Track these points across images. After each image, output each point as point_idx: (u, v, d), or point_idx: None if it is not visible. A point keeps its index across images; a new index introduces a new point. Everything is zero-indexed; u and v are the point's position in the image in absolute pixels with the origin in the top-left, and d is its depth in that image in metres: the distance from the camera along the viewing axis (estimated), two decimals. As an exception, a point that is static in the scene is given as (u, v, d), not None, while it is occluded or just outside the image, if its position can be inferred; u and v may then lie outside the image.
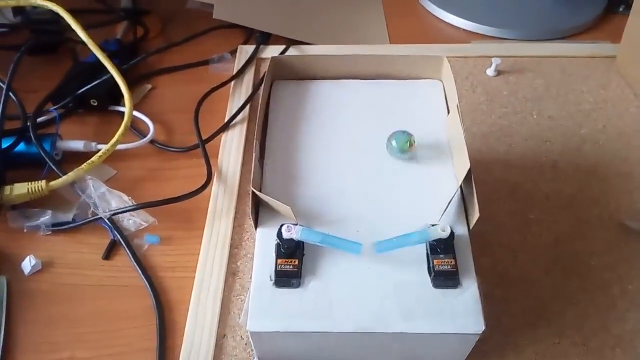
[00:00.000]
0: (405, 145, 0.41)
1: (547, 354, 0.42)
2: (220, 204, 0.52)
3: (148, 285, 0.47)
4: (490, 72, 0.65)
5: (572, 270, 0.48)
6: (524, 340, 0.43)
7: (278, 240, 0.37)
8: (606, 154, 0.57)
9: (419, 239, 0.36)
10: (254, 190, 0.38)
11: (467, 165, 0.38)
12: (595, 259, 0.48)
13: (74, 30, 0.61)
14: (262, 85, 0.45)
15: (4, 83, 0.57)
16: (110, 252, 0.50)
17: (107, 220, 0.50)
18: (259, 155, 0.41)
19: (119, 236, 0.50)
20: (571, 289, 0.46)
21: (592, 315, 0.45)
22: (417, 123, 0.45)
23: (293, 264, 0.36)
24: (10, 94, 0.57)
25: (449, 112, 0.45)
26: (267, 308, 0.35)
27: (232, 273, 0.47)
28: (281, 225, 0.37)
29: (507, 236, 0.50)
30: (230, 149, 0.57)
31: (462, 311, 0.35)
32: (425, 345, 0.37)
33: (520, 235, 0.50)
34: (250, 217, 0.50)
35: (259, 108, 0.44)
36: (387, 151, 0.42)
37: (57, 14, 0.63)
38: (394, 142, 0.42)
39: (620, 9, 0.76)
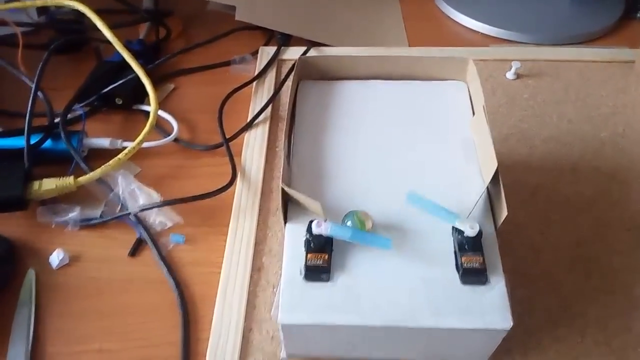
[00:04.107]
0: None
1: (569, 352, 0.43)
2: (245, 201, 0.53)
3: (172, 281, 0.48)
4: (509, 75, 0.66)
5: (594, 271, 0.48)
6: (547, 339, 0.44)
7: (308, 236, 0.38)
8: (626, 157, 0.57)
9: (447, 217, 0.37)
10: (284, 187, 0.38)
11: (495, 165, 0.38)
12: (617, 261, 0.49)
13: (97, 30, 0.62)
14: (288, 84, 0.46)
15: (31, 81, 0.58)
16: (136, 249, 0.50)
17: (133, 218, 0.51)
18: (287, 153, 0.42)
19: (145, 234, 0.51)
20: (593, 290, 0.47)
21: (614, 315, 0.45)
22: (442, 123, 0.46)
23: (323, 258, 0.37)
24: (39, 92, 0.58)
25: (473, 113, 0.46)
26: (298, 301, 0.36)
27: (257, 269, 0.48)
28: (311, 221, 0.38)
29: (529, 237, 0.50)
30: (254, 147, 0.58)
31: (490, 307, 0.35)
32: (452, 341, 0.37)
33: (541, 236, 0.50)
34: (277, 212, 0.51)
35: (287, 107, 0.45)
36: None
37: (80, 14, 0.64)
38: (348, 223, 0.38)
39: (638, 15, 0.76)
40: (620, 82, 0.66)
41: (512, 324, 0.35)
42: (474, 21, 0.75)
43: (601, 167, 0.56)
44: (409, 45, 0.72)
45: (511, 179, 0.55)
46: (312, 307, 0.36)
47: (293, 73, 0.47)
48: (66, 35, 0.69)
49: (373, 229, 0.39)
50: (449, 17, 0.77)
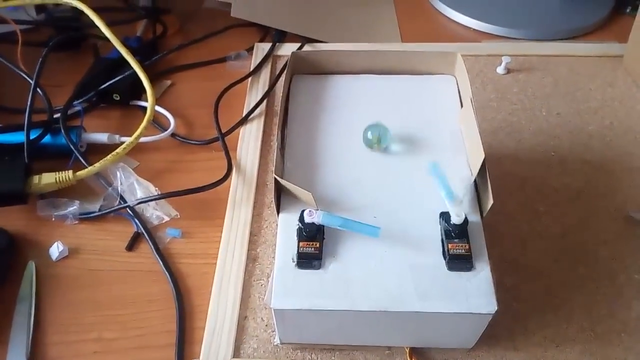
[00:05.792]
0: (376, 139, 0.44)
1: (555, 338, 0.44)
2: (240, 194, 0.54)
3: (167, 273, 0.49)
4: (500, 70, 0.67)
5: (580, 259, 0.49)
6: (533, 324, 0.45)
7: (300, 224, 0.39)
8: (613, 149, 0.59)
9: (448, 195, 0.40)
10: (277, 177, 0.40)
11: (482, 155, 0.40)
12: (603, 249, 0.50)
13: (95, 27, 0.64)
14: (282, 79, 0.47)
15: (30, 78, 0.59)
16: (133, 243, 0.51)
17: (130, 212, 0.52)
18: (280, 145, 0.43)
19: (142, 228, 0.52)
20: (579, 278, 0.48)
21: (599, 302, 0.46)
22: (431, 116, 0.47)
23: (314, 246, 0.38)
24: (38, 88, 0.59)
25: (462, 105, 0.47)
26: (290, 287, 0.37)
27: (252, 259, 0.49)
28: (303, 210, 0.39)
29: (517, 227, 0.52)
30: (249, 142, 0.59)
31: (475, 292, 0.37)
32: (440, 326, 0.39)
33: (529, 226, 0.52)
34: (272, 204, 0.52)
35: (280, 101, 0.46)
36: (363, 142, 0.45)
37: (78, 12, 0.65)
38: (369, 134, 0.44)
39: (627, 10, 0.78)
40: (608, 77, 0.67)
41: (496, 308, 0.36)
42: (466, 17, 0.76)
43: (589, 159, 0.58)
44: (402, 42, 0.73)
45: (500, 171, 0.56)
46: (304, 293, 0.37)
47: (286, 68, 0.48)
48: (64, 33, 0.70)
49: (386, 147, 0.44)
50: (441, 13, 0.79)
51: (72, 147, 0.55)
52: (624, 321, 0.45)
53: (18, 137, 0.56)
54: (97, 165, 0.53)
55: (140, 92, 0.63)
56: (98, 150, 0.57)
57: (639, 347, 0.44)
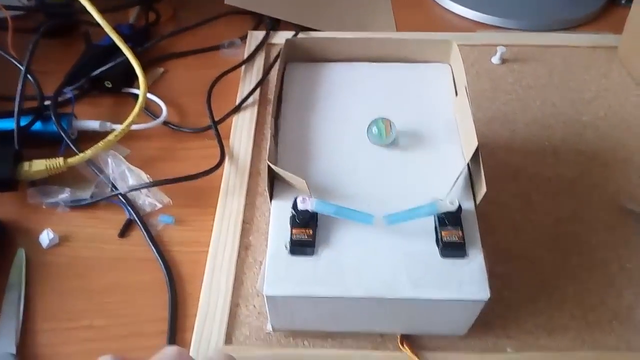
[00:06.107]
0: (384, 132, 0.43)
1: (547, 325, 0.44)
2: (233, 182, 0.54)
3: (160, 260, 0.48)
4: (495, 60, 0.67)
5: (573, 249, 0.49)
6: (525, 312, 0.45)
7: (293, 212, 0.39)
8: (607, 140, 0.59)
9: (428, 211, 0.38)
10: (270, 164, 0.39)
11: (475, 143, 0.40)
12: (595, 239, 0.50)
13: (87, 14, 0.63)
14: (276, 67, 0.47)
15: (21, 64, 0.59)
16: (126, 230, 0.51)
17: (122, 199, 0.52)
18: (274, 132, 0.43)
19: (134, 215, 0.51)
20: (571, 267, 0.48)
21: (591, 291, 0.47)
22: (426, 104, 0.46)
23: (307, 233, 0.38)
24: (28, 75, 0.58)
25: (457, 94, 0.47)
26: (283, 274, 0.37)
27: (244, 247, 0.49)
28: (296, 198, 0.39)
29: (510, 217, 0.52)
30: (242, 130, 0.59)
31: (468, 280, 0.37)
32: (433, 313, 0.39)
33: (522, 216, 0.52)
34: (265, 191, 0.52)
35: (273, 88, 0.46)
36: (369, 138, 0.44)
37: (70, -2, 0.64)
38: (374, 129, 0.43)
39: (623, 1, 0.77)
40: (603, 67, 0.67)
41: (489, 295, 0.36)
42: (461, 7, 0.75)
43: (582, 149, 0.58)
44: (397, 31, 0.73)
45: (494, 161, 0.56)
46: (296, 280, 0.37)
47: (280, 55, 0.48)
48: (55, 19, 0.69)
49: (395, 138, 0.43)
50: (436, 3, 0.78)
51: (62, 134, 0.54)
52: (615, 310, 0.45)
53: (8, 124, 0.55)
54: (88, 152, 0.52)
55: (132, 80, 0.63)
56: (90, 138, 0.56)
57: (630, 335, 0.44)
